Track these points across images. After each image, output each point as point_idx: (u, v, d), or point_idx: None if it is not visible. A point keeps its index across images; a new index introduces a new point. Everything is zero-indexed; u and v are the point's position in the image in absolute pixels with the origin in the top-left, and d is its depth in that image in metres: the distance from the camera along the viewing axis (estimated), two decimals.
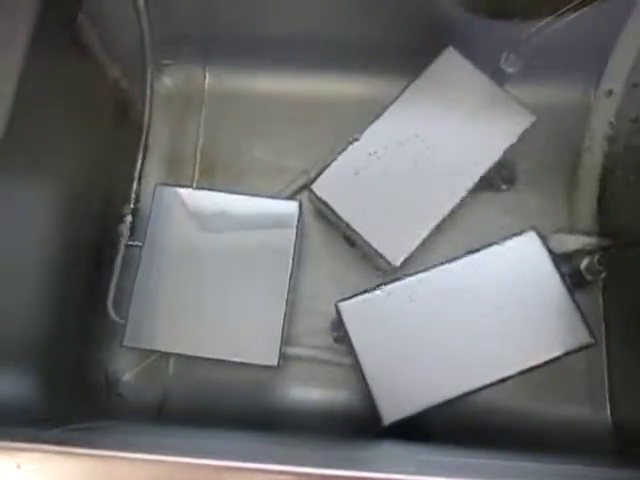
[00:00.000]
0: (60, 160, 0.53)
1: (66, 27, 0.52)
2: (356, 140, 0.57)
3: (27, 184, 0.48)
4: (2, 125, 0.42)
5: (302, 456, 0.41)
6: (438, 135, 0.57)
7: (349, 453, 0.48)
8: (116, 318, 0.58)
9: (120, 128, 0.65)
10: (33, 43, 0.44)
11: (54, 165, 0.52)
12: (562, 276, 0.52)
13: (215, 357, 0.55)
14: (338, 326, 0.57)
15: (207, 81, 0.71)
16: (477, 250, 0.54)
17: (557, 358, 0.51)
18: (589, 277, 0.55)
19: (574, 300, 0.52)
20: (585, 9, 0.51)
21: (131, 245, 0.60)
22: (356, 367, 0.53)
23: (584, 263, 0.55)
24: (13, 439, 0.32)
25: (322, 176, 0.57)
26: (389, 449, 0.51)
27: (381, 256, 0.56)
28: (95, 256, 0.60)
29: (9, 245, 0.46)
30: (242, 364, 0.54)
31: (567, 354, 0.51)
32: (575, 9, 0.51)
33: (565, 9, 0.51)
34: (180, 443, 0.44)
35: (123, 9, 0.59)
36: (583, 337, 0.51)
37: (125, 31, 0.61)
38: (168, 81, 0.71)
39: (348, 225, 0.56)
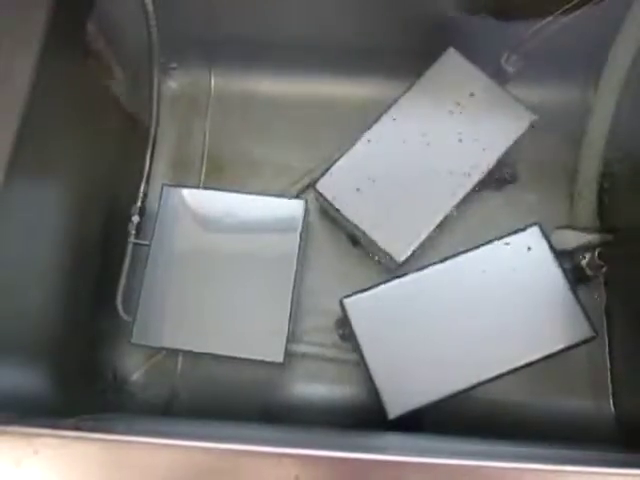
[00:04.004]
0: (69, 161, 0.54)
1: (76, 32, 0.53)
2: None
3: (37, 185, 0.49)
4: (15, 126, 0.43)
5: (308, 441, 0.43)
6: (440, 134, 0.58)
7: (354, 440, 0.49)
8: (125, 316, 0.59)
9: (127, 130, 0.65)
10: (45, 48, 0.46)
11: (63, 166, 0.53)
12: (564, 271, 0.53)
13: (222, 354, 0.55)
14: (343, 323, 0.58)
15: (213, 83, 0.72)
16: (480, 246, 0.54)
17: (559, 352, 0.52)
18: (590, 272, 0.56)
19: (576, 295, 0.53)
20: (584, 9, 0.52)
21: (138, 244, 0.61)
22: (361, 363, 0.53)
23: (585, 258, 0.56)
24: (30, 425, 0.33)
25: (326, 175, 0.58)
26: (393, 439, 0.52)
27: (385, 253, 0.56)
28: (103, 256, 0.60)
29: (21, 245, 0.47)
30: (248, 361, 0.55)
31: (569, 348, 0.52)
32: (574, 9, 0.52)
33: (564, 9, 0.52)
34: (192, 430, 0.44)
35: (130, 14, 0.60)
36: (585, 331, 0.52)
37: (132, 35, 0.62)
38: (174, 84, 0.72)
39: (352, 223, 0.57)
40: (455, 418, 0.54)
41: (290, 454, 0.33)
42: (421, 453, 0.33)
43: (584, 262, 0.56)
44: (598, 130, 0.57)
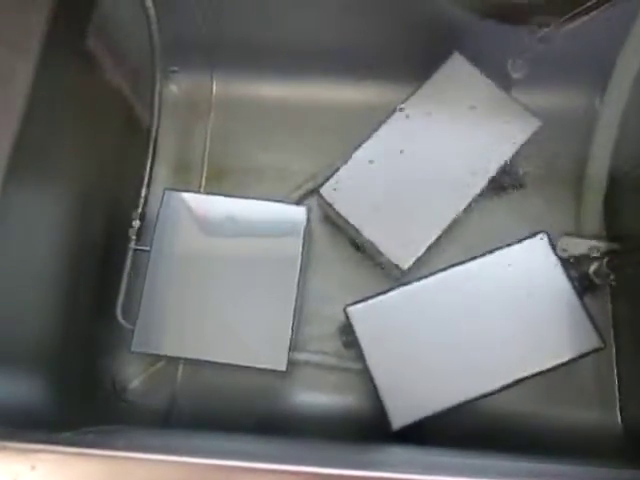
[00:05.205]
0: (69, 166, 0.54)
1: (77, 35, 0.53)
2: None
3: (36, 190, 0.48)
4: (15, 129, 0.43)
5: (310, 456, 0.42)
6: (445, 140, 0.57)
7: (358, 455, 0.48)
8: (125, 324, 0.58)
9: (128, 135, 0.65)
10: (45, 50, 0.45)
11: (63, 170, 0.53)
12: (571, 280, 0.52)
13: (223, 362, 0.55)
14: (347, 331, 0.57)
15: (214, 88, 0.71)
16: (485, 254, 0.54)
17: (567, 362, 0.51)
18: (598, 281, 0.55)
19: (583, 304, 0.52)
20: (591, 15, 0.51)
21: (139, 250, 0.60)
22: (364, 372, 0.53)
23: (593, 267, 0.55)
24: (28, 440, 0.32)
25: (330, 180, 0.57)
26: (398, 452, 0.51)
27: (389, 260, 0.56)
28: (103, 261, 0.60)
29: (19, 251, 0.46)
30: (250, 369, 0.54)
31: (577, 358, 0.51)
32: (581, 15, 0.52)
33: (571, 15, 0.52)
34: (192, 445, 0.43)
35: (132, 17, 0.59)
36: (593, 341, 0.51)
37: (133, 38, 0.61)
38: (175, 88, 0.72)
39: (356, 229, 0.56)
40: (459, 429, 0.54)
41: (292, 471, 0.32)
42: (429, 470, 0.32)
43: (592, 270, 0.55)
44: (605, 137, 0.57)
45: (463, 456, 0.48)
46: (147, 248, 0.58)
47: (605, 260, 0.54)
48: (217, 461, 0.33)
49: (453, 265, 0.54)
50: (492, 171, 0.57)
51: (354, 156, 0.58)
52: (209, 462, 0.33)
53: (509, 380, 0.51)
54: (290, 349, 0.55)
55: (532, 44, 0.55)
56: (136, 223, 0.61)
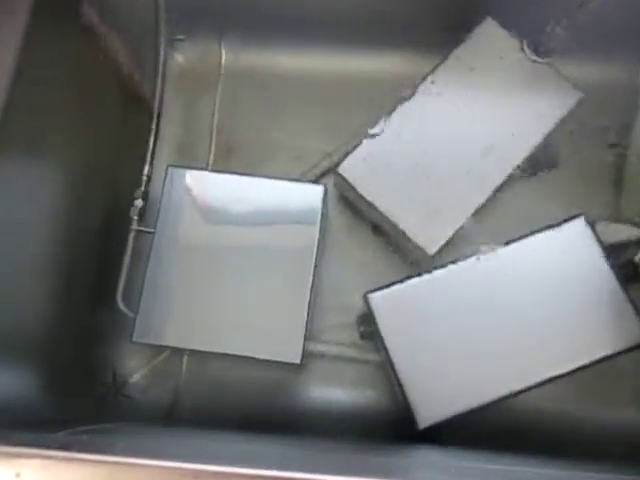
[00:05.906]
0: (64, 142, 0.51)
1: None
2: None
3: (28, 168, 0.46)
4: (1, 101, 0.40)
5: (326, 462, 0.40)
6: (476, 113, 0.54)
7: (380, 459, 0.46)
8: (126, 312, 0.55)
9: (129, 108, 0.62)
10: (35, 13, 0.42)
11: (57, 148, 0.50)
12: (613, 268, 0.49)
13: (233, 353, 0.52)
14: (366, 320, 0.55)
15: (223, 58, 0.69)
16: (519, 238, 0.51)
17: (607, 358, 0.48)
18: None
19: (627, 294, 0.49)
20: None
21: (141, 232, 0.57)
22: (385, 365, 0.50)
23: (638, 254, 0.51)
24: (12, 444, 0.30)
25: (349, 157, 0.54)
26: (424, 455, 0.48)
27: (414, 245, 0.52)
28: (103, 245, 0.57)
29: (12, 235, 0.44)
30: (261, 361, 0.52)
31: (619, 353, 0.48)
32: None
33: None
34: (192, 448, 0.42)
35: None
36: (638, 335, 0.48)
37: (135, 3, 0.58)
38: (181, 58, 0.69)
39: (379, 211, 0.53)
40: (488, 428, 0.51)
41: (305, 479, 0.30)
42: (457, 477, 0.29)
43: (637, 258, 0.51)
44: None
45: (491, 461, 0.46)
46: (150, 230, 0.55)
47: None
48: (221, 467, 0.31)
49: (483, 250, 0.50)
50: (528, 148, 0.53)
51: (376, 131, 0.54)
52: (212, 469, 0.31)
53: (545, 376, 0.48)
54: (305, 340, 0.52)
55: (573, 9, 0.51)
56: (138, 202, 0.58)
